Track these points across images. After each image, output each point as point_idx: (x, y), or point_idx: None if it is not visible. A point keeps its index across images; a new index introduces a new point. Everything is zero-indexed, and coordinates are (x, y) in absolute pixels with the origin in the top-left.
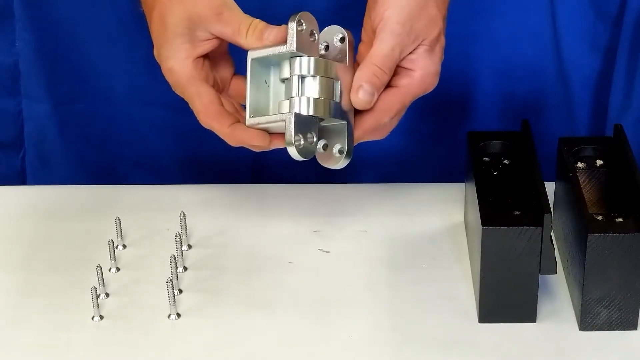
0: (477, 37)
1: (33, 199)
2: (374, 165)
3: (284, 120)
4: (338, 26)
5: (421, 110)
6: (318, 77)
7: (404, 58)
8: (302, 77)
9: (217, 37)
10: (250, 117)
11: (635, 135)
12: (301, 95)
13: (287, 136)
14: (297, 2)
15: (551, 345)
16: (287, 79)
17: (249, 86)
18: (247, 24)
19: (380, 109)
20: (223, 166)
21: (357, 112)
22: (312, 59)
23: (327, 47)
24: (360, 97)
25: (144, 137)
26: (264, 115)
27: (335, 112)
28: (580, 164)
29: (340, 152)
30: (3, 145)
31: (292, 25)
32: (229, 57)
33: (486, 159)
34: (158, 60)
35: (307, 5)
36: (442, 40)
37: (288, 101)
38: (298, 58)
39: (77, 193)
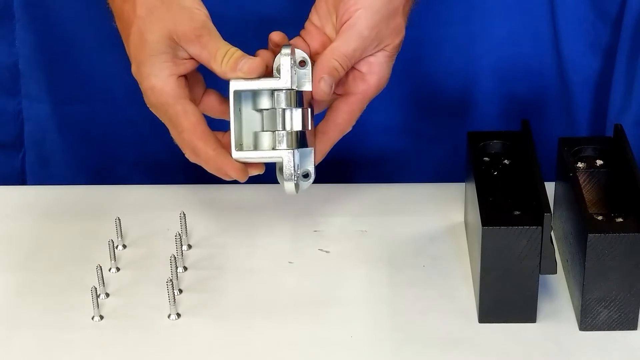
0: (477, 37)
1: (33, 199)
2: (374, 165)
3: (281, 157)
4: (300, 50)
5: (421, 110)
6: (300, 108)
7: (361, 59)
8: (284, 109)
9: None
10: (236, 149)
11: (635, 135)
12: (289, 130)
13: (287, 174)
14: None
15: (551, 345)
16: (265, 109)
17: (233, 118)
18: (224, 51)
19: (344, 120)
20: None
21: (322, 126)
22: (297, 92)
23: None
24: (321, 87)
25: (144, 137)
26: (255, 150)
27: (309, 140)
28: (580, 164)
29: (305, 175)
30: (3, 145)
31: (287, 60)
32: (199, 74)
33: (486, 159)
34: (137, 78)
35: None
36: (399, 48)
37: (271, 134)
38: (283, 92)
39: (77, 193)
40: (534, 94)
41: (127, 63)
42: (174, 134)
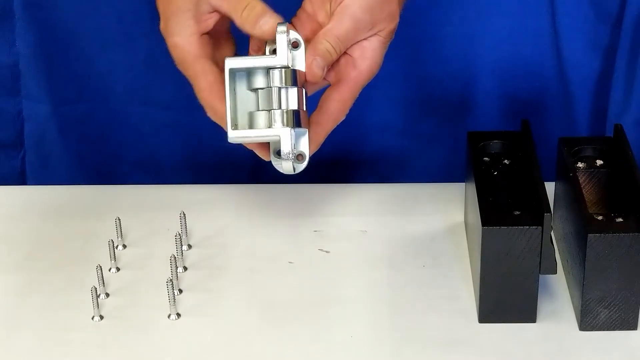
0: (477, 37)
1: (33, 199)
2: (373, 165)
3: (277, 135)
4: (293, 31)
5: (421, 110)
6: (295, 87)
7: (354, 43)
8: (279, 88)
9: (218, 11)
10: (232, 129)
11: (635, 135)
12: (285, 108)
13: (285, 152)
14: None
15: (551, 345)
16: (260, 88)
17: (229, 96)
18: (245, 3)
19: (337, 109)
20: (223, 166)
21: (316, 116)
22: (294, 70)
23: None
24: (313, 69)
25: (144, 137)
26: (251, 129)
27: (303, 122)
28: (580, 164)
29: (299, 156)
30: (3, 145)
31: (283, 37)
32: (231, 36)
33: (486, 159)
34: (164, 34)
35: None
36: (393, 35)
37: (266, 113)
38: (279, 70)
39: (77, 193)
40: (534, 94)
41: (127, 62)
42: (196, 92)
